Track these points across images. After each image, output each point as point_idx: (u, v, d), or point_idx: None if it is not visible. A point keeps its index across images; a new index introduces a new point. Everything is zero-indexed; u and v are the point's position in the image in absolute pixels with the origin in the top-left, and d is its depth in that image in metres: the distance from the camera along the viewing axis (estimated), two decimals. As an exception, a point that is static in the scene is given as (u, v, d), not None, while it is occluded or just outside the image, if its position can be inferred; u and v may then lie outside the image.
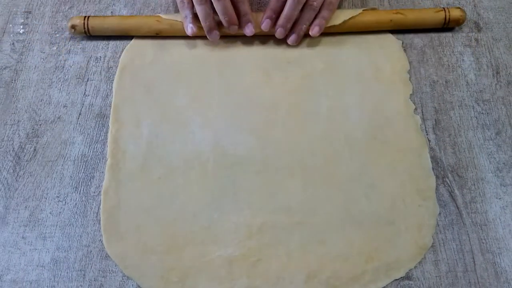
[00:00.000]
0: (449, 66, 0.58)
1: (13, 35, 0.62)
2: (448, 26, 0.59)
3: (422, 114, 0.55)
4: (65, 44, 0.61)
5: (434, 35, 0.60)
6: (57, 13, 0.63)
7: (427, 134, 0.53)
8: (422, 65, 0.58)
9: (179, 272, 0.47)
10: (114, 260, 0.47)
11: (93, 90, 0.57)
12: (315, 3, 0.56)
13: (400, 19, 0.58)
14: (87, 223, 0.49)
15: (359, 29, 0.59)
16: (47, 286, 0.46)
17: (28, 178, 0.52)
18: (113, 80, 0.57)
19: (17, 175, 0.52)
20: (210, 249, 0.48)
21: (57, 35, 0.62)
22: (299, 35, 0.57)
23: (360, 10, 0.59)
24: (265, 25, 0.57)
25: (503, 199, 0.50)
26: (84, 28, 0.59)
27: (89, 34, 0.60)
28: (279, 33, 0.57)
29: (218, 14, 0.56)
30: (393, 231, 0.48)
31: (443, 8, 0.59)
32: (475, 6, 0.62)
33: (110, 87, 0.57)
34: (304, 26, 0.57)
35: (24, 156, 0.53)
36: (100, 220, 0.49)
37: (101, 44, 0.60)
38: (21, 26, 0.63)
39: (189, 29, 0.57)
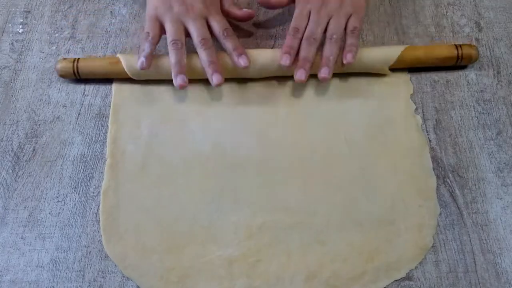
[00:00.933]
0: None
1: (12, 35, 0.62)
2: (461, 63, 0.56)
3: (423, 114, 0.54)
4: (64, 44, 0.61)
5: (434, 35, 0.60)
6: (56, 13, 0.63)
7: (427, 134, 0.53)
8: (423, 64, 0.58)
9: (179, 272, 0.46)
10: (113, 261, 0.47)
11: (93, 90, 0.57)
12: (334, 35, 0.52)
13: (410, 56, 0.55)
14: (86, 224, 0.49)
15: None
16: (47, 287, 0.46)
17: (27, 178, 0.52)
18: (112, 80, 0.57)
19: (16, 175, 0.52)
20: (210, 249, 0.47)
21: (56, 34, 0.61)
22: (329, 66, 0.52)
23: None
24: (284, 60, 0.52)
25: (504, 199, 0.49)
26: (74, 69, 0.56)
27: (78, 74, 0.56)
28: (299, 74, 0.52)
29: (202, 62, 0.52)
30: (393, 231, 0.48)
31: (455, 45, 0.56)
32: (475, 6, 0.62)
33: (110, 87, 0.57)
34: (331, 57, 0.52)
35: (23, 156, 0.53)
36: (99, 220, 0.49)
37: (101, 44, 0.60)
38: (20, 26, 0.62)
39: (140, 63, 0.52)
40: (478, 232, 0.48)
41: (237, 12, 0.56)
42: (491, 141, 0.53)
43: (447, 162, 0.51)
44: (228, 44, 0.52)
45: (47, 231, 0.49)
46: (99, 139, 0.54)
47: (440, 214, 0.49)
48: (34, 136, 0.54)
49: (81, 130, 0.54)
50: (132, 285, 0.46)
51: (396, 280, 0.46)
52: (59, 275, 0.47)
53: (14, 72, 0.59)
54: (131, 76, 0.55)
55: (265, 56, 0.54)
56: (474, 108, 0.55)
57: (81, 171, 0.52)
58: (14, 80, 0.58)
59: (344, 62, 0.52)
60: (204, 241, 0.48)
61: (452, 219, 0.49)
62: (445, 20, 0.61)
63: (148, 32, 0.53)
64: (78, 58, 0.56)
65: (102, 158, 0.53)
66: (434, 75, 0.57)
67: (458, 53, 0.55)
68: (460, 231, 0.48)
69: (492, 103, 0.55)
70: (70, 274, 0.47)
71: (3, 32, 0.62)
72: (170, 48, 0.52)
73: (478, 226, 0.48)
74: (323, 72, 0.52)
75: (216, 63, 0.52)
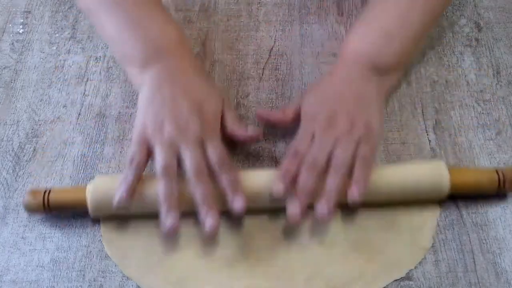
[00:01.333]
0: (449, 66, 0.58)
1: (12, 35, 0.62)
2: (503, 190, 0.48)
3: (423, 114, 0.55)
4: (64, 44, 0.61)
5: (434, 34, 0.60)
6: (56, 13, 0.63)
7: (427, 134, 0.53)
8: (423, 65, 0.58)
9: (179, 272, 0.46)
10: (113, 260, 0.47)
11: (93, 90, 0.57)
12: (340, 165, 0.44)
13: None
14: (86, 223, 0.49)
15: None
16: (47, 287, 0.46)
17: (28, 178, 0.52)
18: (113, 80, 0.57)
19: (16, 175, 0.52)
20: (210, 249, 0.47)
21: (57, 35, 0.62)
22: (329, 202, 0.43)
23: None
24: (277, 188, 0.44)
25: (504, 199, 0.49)
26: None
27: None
28: (292, 209, 0.43)
29: (196, 198, 0.44)
30: (393, 231, 0.48)
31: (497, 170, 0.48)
32: (475, 6, 0.62)
33: (110, 87, 0.57)
34: (334, 192, 0.43)
35: (24, 156, 0.53)
36: (99, 220, 0.49)
37: (101, 44, 0.60)
38: (21, 26, 0.63)
39: (119, 196, 0.43)
40: (478, 232, 0.48)
41: (242, 133, 0.47)
42: (491, 141, 0.53)
43: (446, 162, 0.51)
44: (223, 178, 0.44)
45: (48, 231, 0.49)
46: (99, 139, 0.54)
47: (440, 214, 0.49)
48: (35, 136, 0.54)
49: (81, 130, 0.54)
50: (132, 285, 0.46)
51: (396, 280, 0.46)
52: (60, 274, 0.47)
53: (15, 72, 0.59)
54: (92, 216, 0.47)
55: (261, 181, 0.46)
56: (473, 108, 0.55)
57: (82, 171, 0.52)
58: (14, 80, 0.58)
59: (348, 198, 0.44)
60: (204, 241, 0.48)
61: (452, 219, 0.49)
62: (445, 20, 0.61)
63: (132, 158, 0.45)
64: (50, 190, 0.47)
65: (102, 158, 0.53)
66: (434, 75, 0.57)
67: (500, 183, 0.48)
68: (459, 231, 0.48)
69: (492, 103, 0.55)
70: (70, 273, 0.47)
71: (4, 32, 0.62)
72: (160, 178, 0.44)
73: (477, 226, 0.48)
74: (321, 209, 0.43)
75: (212, 200, 0.44)
